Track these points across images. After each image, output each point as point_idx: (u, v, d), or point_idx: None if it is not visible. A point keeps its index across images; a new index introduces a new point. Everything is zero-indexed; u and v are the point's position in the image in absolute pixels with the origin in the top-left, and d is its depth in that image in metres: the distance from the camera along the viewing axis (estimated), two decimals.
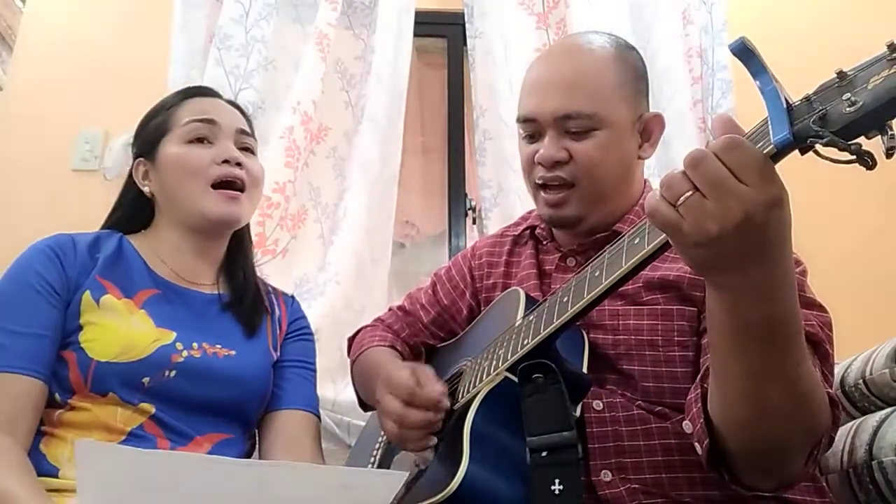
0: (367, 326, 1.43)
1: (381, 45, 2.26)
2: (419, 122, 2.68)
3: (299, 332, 1.33)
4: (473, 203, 2.37)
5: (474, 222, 2.38)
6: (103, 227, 1.26)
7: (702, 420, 0.84)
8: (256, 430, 1.23)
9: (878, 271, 2.20)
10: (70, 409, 1.05)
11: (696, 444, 0.85)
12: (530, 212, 1.32)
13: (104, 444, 0.94)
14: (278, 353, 1.26)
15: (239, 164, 1.20)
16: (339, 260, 2.07)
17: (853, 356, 1.26)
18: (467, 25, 2.37)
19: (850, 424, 1.17)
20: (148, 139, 1.24)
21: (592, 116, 1.08)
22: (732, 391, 0.78)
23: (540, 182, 1.13)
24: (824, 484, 1.00)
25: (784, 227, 0.68)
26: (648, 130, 1.16)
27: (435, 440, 0.98)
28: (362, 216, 2.12)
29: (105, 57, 2.34)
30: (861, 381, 1.18)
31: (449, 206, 2.38)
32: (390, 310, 1.45)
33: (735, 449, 0.82)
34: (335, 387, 1.97)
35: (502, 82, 2.27)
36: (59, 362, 1.06)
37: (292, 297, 1.38)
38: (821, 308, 0.97)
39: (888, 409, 1.11)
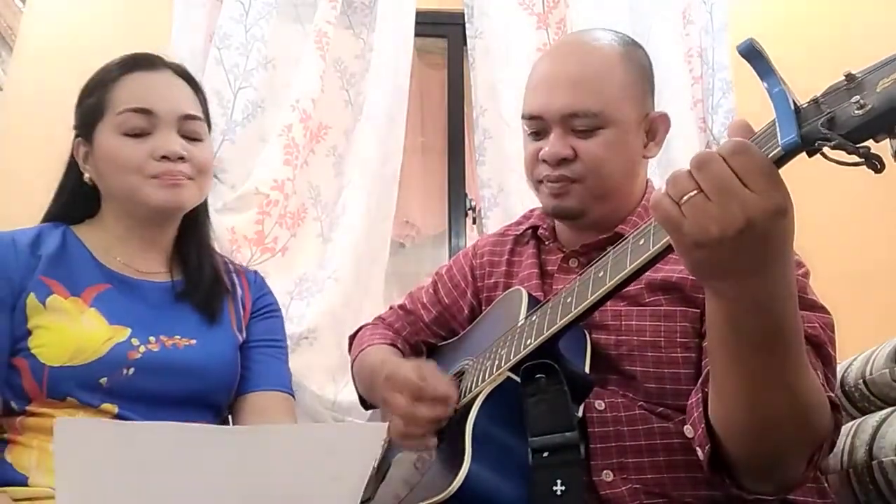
0: (367, 325, 1.43)
1: (380, 44, 2.26)
2: (419, 122, 2.68)
3: (265, 309, 1.27)
4: (473, 203, 2.37)
5: (474, 222, 2.38)
6: (45, 218, 1.19)
7: (703, 425, 0.84)
8: (230, 416, 1.19)
9: (879, 271, 2.20)
10: (29, 415, 1.01)
11: (698, 448, 0.85)
12: (532, 210, 1.32)
13: (84, 420, 0.92)
14: (244, 335, 1.21)
15: (182, 158, 1.11)
16: (339, 258, 2.07)
17: (853, 356, 1.26)
18: (467, 25, 2.37)
19: (850, 424, 1.17)
20: (85, 119, 1.15)
21: (599, 115, 1.07)
22: (731, 398, 0.78)
23: (543, 180, 1.12)
24: (825, 484, 1.00)
25: (786, 238, 0.67)
26: (654, 130, 1.15)
27: (436, 440, 0.98)
28: (361, 215, 2.12)
29: (105, 57, 2.32)
30: (861, 382, 1.19)
31: (449, 206, 2.38)
32: (391, 308, 1.45)
33: (736, 454, 0.81)
34: (335, 386, 1.98)
35: (502, 82, 2.27)
36: (10, 370, 1.01)
37: (255, 272, 1.33)
38: (823, 309, 0.97)
39: (888, 409, 1.11)
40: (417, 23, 2.33)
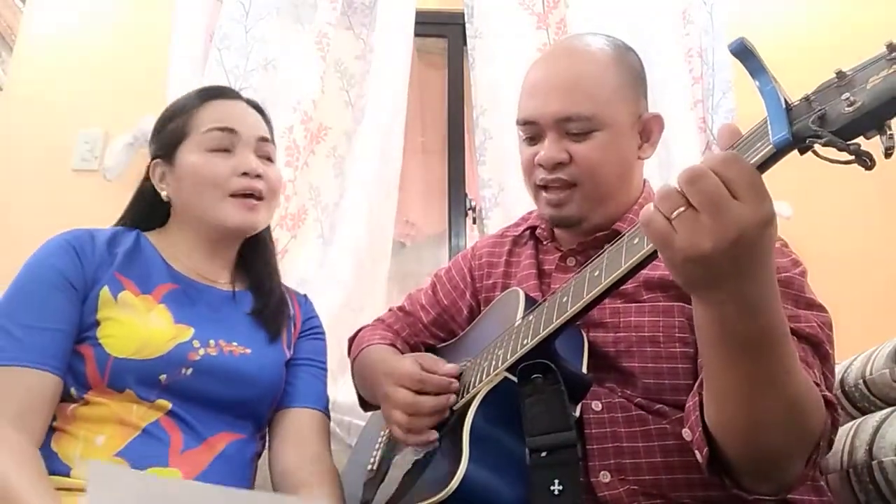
0: (367, 326, 1.43)
1: (380, 45, 2.26)
2: (419, 122, 2.68)
3: (312, 330, 1.33)
4: (473, 203, 2.37)
5: (474, 222, 2.38)
6: (119, 223, 1.25)
7: (700, 429, 0.84)
8: (268, 429, 1.23)
9: (879, 271, 2.20)
10: (85, 403, 1.04)
11: (697, 451, 0.85)
12: (531, 212, 1.32)
13: (117, 467, 0.94)
14: (291, 352, 1.26)
15: (259, 176, 1.19)
16: (340, 259, 2.08)
17: (853, 356, 1.26)
18: (467, 25, 2.37)
19: (850, 424, 1.17)
20: (166, 142, 1.22)
21: (592, 118, 1.08)
22: (725, 402, 0.79)
23: (541, 184, 1.13)
24: (822, 483, 1.00)
25: (773, 243, 0.68)
26: (647, 131, 1.16)
27: (437, 435, 0.98)
28: (363, 216, 2.12)
29: (105, 57, 2.34)
30: (861, 381, 1.18)
31: (449, 206, 2.38)
32: (390, 310, 1.45)
33: (733, 456, 0.81)
34: (335, 386, 1.97)
35: (502, 82, 2.27)
36: (75, 357, 1.05)
37: (304, 296, 1.38)
38: (821, 308, 0.97)
39: (888, 409, 1.11)
40: (417, 23, 2.34)
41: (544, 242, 1.23)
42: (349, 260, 2.08)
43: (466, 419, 0.91)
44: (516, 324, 1.00)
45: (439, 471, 0.92)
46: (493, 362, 0.97)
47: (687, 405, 0.90)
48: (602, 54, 1.14)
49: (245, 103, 1.28)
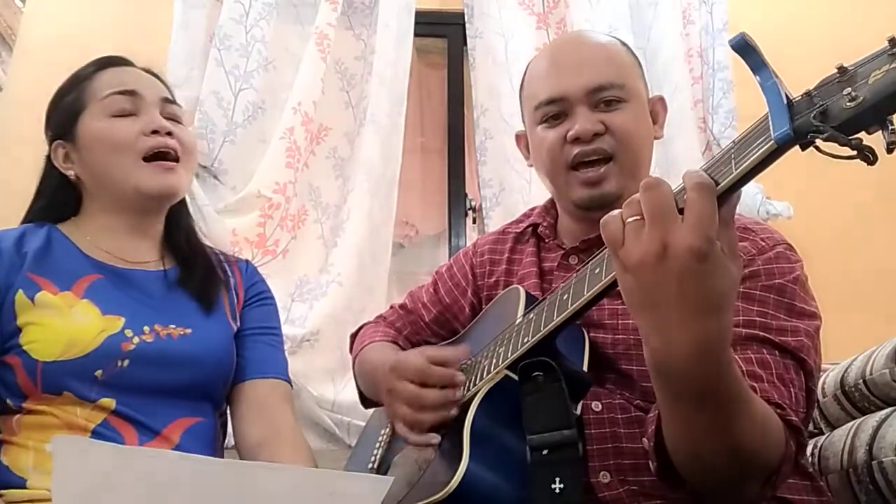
0: (369, 323, 1.43)
1: (381, 46, 2.26)
2: (419, 122, 2.68)
3: (258, 297, 1.27)
4: (473, 203, 2.37)
5: (474, 222, 2.38)
6: (26, 220, 1.19)
7: (652, 443, 0.83)
8: (228, 407, 1.19)
9: (879, 271, 2.20)
10: (27, 413, 1.01)
11: (650, 461, 0.85)
12: (532, 209, 1.31)
13: (81, 439, 0.90)
14: (238, 323, 1.21)
15: (169, 134, 1.13)
16: (342, 261, 2.08)
17: (853, 356, 1.26)
18: (467, 25, 2.38)
19: (850, 424, 1.17)
20: (64, 118, 1.15)
21: (623, 86, 1.10)
22: (672, 434, 0.78)
23: (576, 160, 1.10)
24: (822, 483, 0.99)
25: (703, 285, 0.65)
26: (655, 112, 1.19)
27: (438, 437, 0.98)
28: (364, 217, 2.13)
29: None
30: (861, 381, 1.18)
31: (449, 206, 2.39)
32: (392, 307, 1.44)
33: (683, 475, 0.81)
34: (335, 387, 1.98)
35: (503, 82, 2.28)
36: (3, 368, 1.01)
37: (246, 261, 1.33)
38: (812, 315, 0.96)
39: (888, 409, 1.11)
40: (417, 23, 2.34)
41: (546, 240, 1.22)
42: (349, 261, 2.08)
43: (467, 417, 0.90)
44: (517, 322, 0.99)
45: (440, 469, 0.91)
46: (494, 360, 0.96)
47: (649, 415, 0.89)
48: (608, 40, 1.19)
49: (140, 70, 1.22)
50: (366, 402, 1.35)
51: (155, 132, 1.12)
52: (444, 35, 2.57)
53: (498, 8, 2.36)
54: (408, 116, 2.30)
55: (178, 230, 1.23)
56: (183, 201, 1.24)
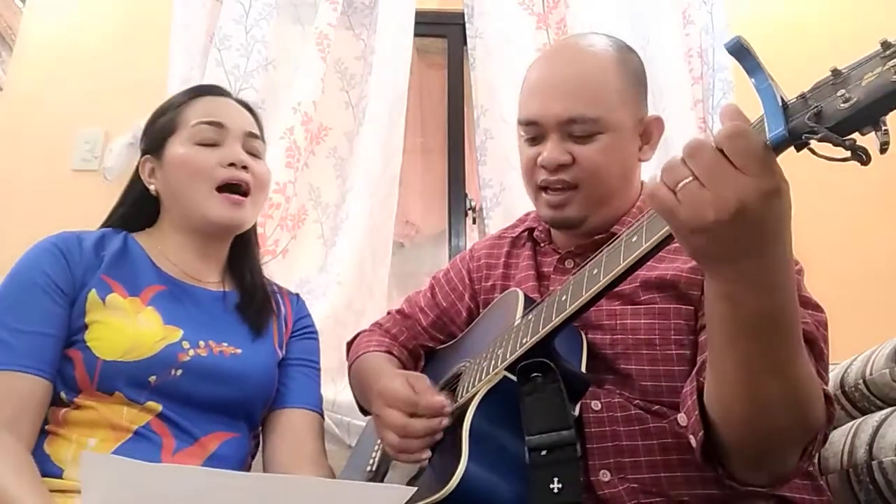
0: (364, 331, 1.43)
1: (381, 45, 2.26)
2: (419, 122, 2.68)
3: (304, 330, 1.33)
4: (473, 203, 2.37)
5: (474, 222, 2.38)
6: (105, 225, 1.25)
7: (696, 413, 0.84)
8: (261, 429, 1.23)
9: (879, 271, 2.19)
10: (76, 407, 1.04)
11: (691, 436, 0.85)
12: (528, 213, 1.32)
13: (110, 457, 0.93)
14: (283, 352, 1.26)
15: (245, 168, 1.20)
16: (341, 261, 2.07)
17: (853, 356, 1.26)
18: (467, 25, 2.37)
19: (850, 424, 1.17)
20: (155, 137, 1.23)
21: (597, 120, 1.08)
22: (728, 384, 0.78)
23: (542, 185, 1.13)
24: (822, 482, 1.00)
25: (782, 219, 0.68)
26: (648, 133, 1.16)
27: (430, 454, 0.98)
28: (364, 217, 2.12)
29: (105, 57, 2.35)
30: (861, 382, 1.18)
31: (449, 206, 2.38)
32: (389, 314, 1.44)
33: (730, 442, 0.81)
34: (335, 387, 1.97)
35: (503, 82, 2.27)
36: (64, 361, 1.05)
37: (297, 295, 1.38)
38: (816, 307, 0.97)
39: (888, 409, 1.11)
40: (417, 23, 2.34)
41: (542, 244, 1.23)
42: (350, 261, 2.08)
43: (466, 418, 0.90)
44: (516, 323, 1.00)
45: (439, 470, 0.92)
46: (493, 361, 0.97)
47: (683, 391, 0.90)
48: (605, 55, 1.13)
49: (234, 101, 1.29)
50: (363, 408, 1.35)
51: (232, 164, 1.19)
52: (444, 35, 2.56)
53: (498, 8, 2.35)
54: (408, 116, 2.29)
55: (242, 258, 1.30)
56: (252, 230, 1.32)
